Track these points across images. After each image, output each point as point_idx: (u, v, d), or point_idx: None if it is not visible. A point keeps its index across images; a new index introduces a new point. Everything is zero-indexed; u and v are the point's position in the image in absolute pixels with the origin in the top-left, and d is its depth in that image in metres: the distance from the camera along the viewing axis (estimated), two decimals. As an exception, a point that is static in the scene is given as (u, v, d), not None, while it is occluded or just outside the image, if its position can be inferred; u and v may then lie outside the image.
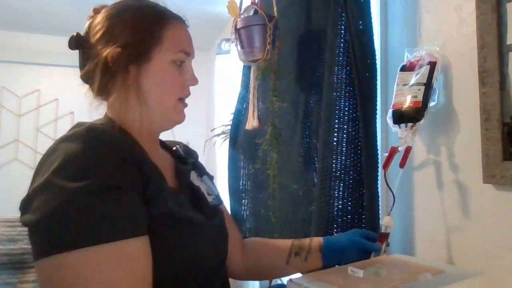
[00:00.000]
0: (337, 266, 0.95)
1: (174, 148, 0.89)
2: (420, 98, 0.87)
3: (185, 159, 0.88)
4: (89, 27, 0.76)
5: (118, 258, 0.56)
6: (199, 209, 0.76)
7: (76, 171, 0.58)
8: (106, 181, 0.58)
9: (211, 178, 0.93)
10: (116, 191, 0.58)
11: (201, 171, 0.91)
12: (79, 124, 0.68)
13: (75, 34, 0.76)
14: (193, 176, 0.85)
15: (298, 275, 0.77)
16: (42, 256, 0.56)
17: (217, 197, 0.88)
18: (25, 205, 0.59)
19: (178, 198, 0.72)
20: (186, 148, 0.95)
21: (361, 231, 0.93)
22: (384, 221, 0.85)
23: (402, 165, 0.90)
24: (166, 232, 0.65)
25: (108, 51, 0.70)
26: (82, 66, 0.76)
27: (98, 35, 0.73)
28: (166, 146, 0.90)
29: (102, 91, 0.74)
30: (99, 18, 0.75)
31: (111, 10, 0.75)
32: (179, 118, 0.79)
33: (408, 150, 0.89)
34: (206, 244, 0.73)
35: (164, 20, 0.75)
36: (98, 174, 0.58)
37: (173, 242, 0.66)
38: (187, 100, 0.81)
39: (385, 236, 0.84)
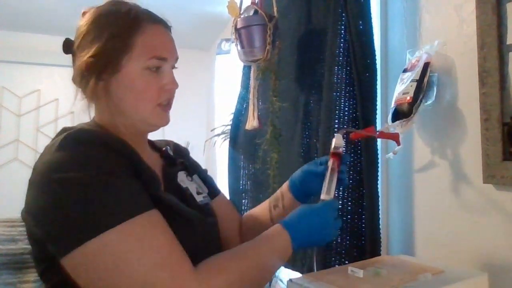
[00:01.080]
0: (336, 266, 0.95)
1: (163, 149, 0.89)
2: (411, 94, 0.87)
3: (173, 160, 0.88)
4: (76, 31, 0.77)
5: (154, 225, 0.62)
6: None
7: (80, 165, 0.61)
8: (109, 169, 0.62)
9: (203, 172, 0.94)
10: (123, 175, 0.63)
11: (192, 170, 0.91)
12: (65, 129, 0.70)
13: (65, 39, 0.77)
14: (182, 177, 0.85)
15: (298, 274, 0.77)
16: (80, 244, 0.57)
17: (211, 190, 0.90)
18: (35, 219, 0.62)
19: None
20: (176, 147, 0.95)
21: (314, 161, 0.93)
22: (335, 140, 0.82)
23: (380, 135, 0.91)
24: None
25: (82, 60, 0.71)
26: (73, 69, 0.78)
27: (78, 41, 0.74)
28: (155, 147, 0.89)
29: (85, 96, 0.76)
30: (82, 23, 0.75)
31: (90, 15, 0.75)
32: (160, 122, 0.77)
33: (396, 134, 0.89)
34: (199, 240, 0.73)
35: (136, 25, 0.73)
36: (101, 164, 0.62)
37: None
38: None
39: (336, 154, 0.81)
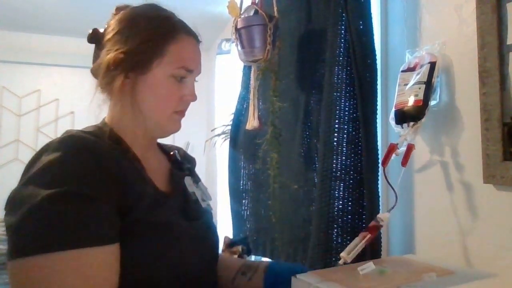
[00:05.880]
0: (339, 266, 0.95)
1: (171, 153, 0.90)
2: (420, 96, 0.87)
3: (181, 164, 0.89)
4: (107, 25, 0.78)
5: (77, 266, 0.56)
6: (187, 214, 0.76)
7: (49, 179, 0.59)
8: (75, 189, 0.59)
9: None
10: (84, 200, 0.59)
11: (197, 177, 0.92)
12: (66, 133, 0.70)
13: (91, 30, 0.79)
14: (189, 182, 0.85)
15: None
16: (8, 259, 0.57)
17: (209, 205, 0.89)
18: (5, 211, 0.62)
19: (166, 203, 0.73)
20: (184, 154, 0.96)
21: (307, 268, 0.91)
22: (382, 216, 0.82)
23: (404, 163, 0.89)
24: (146, 237, 0.66)
25: (111, 55, 0.72)
26: (94, 60, 0.79)
27: (109, 36, 0.75)
28: (164, 150, 0.90)
29: (104, 90, 0.76)
30: (116, 18, 0.77)
31: (127, 14, 0.77)
32: (173, 129, 0.79)
33: (410, 148, 0.89)
34: (188, 248, 0.72)
35: (172, 34, 0.75)
36: (69, 182, 0.59)
37: (153, 246, 0.66)
38: None
39: (374, 228, 0.80)
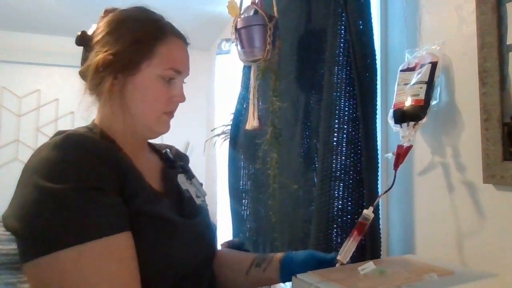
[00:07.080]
0: (338, 266, 0.95)
1: (163, 152, 0.91)
2: (422, 96, 0.86)
3: (173, 162, 0.89)
4: (96, 27, 0.78)
5: (110, 252, 0.60)
6: (182, 212, 0.77)
7: (59, 175, 0.60)
8: (88, 182, 0.61)
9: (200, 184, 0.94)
10: (98, 191, 0.62)
11: (191, 174, 0.92)
12: (59, 133, 0.71)
13: (80, 32, 0.79)
14: (182, 179, 0.86)
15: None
16: (35, 256, 0.58)
17: (204, 201, 0.89)
18: (10, 213, 0.62)
19: (161, 201, 0.73)
20: (177, 152, 0.97)
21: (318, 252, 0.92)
22: (366, 211, 0.82)
23: (400, 162, 0.89)
24: (143, 231, 0.67)
25: (100, 56, 0.73)
26: (82, 62, 0.79)
27: (98, 38, 0.76)
28: (155, 149, 0.91)
29: (93, 91, 0.77)
30: (104, 21, 0.77)
31: (116, 16, 0.77)
32: (162, 129, 0.80)
33: (408, 148, 0.89)
34: (185, 245, 0.73)
35: (161, 35, 0.76)
36: (80, 176, 0.61)
37: (150, 241, 0.67)
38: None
39: (361, 225, 0.81)
